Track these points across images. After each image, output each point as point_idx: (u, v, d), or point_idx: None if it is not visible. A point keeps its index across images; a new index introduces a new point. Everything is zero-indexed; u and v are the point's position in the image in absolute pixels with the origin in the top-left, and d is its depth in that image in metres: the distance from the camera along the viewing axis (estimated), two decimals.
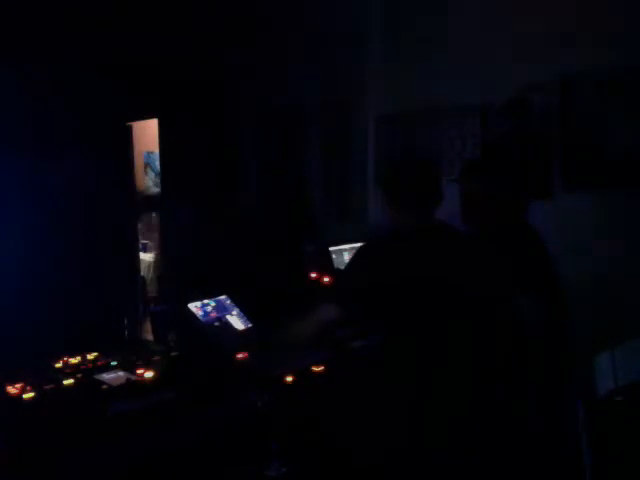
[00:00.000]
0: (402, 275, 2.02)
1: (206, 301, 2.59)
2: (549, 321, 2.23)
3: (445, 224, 2.15)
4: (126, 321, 3.11)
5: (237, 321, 2.61)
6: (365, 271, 2.09)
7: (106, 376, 2.20)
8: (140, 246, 5.56)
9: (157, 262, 5.40)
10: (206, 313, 2.55)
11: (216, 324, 2.51)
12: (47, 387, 2.08)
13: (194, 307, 2.54)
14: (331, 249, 3.37)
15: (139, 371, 2.22)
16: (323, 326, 2.13)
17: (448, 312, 2.00)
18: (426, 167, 2.16)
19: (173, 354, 2.41)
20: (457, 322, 2.01)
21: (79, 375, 2.21)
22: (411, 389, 2.00)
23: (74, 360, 2.35)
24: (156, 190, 5.81)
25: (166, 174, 5.25)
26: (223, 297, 2.66)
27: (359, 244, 2.36)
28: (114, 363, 2.31)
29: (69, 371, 2.25)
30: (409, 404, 2.00)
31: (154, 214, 5.59)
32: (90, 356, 2.39)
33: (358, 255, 2.17)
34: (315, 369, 2.41)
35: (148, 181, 6.52)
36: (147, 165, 6.53)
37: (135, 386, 2.14)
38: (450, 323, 2.00)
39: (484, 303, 2.05)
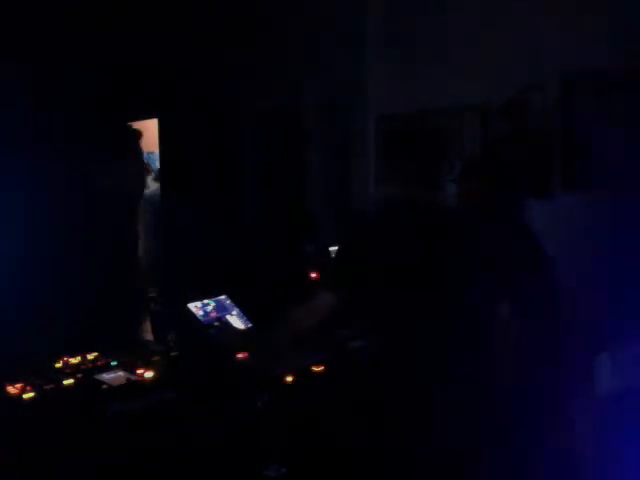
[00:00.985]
0: (391, 257, 1.99)
1: (206, 301, 2.59)
2: (533, 324, 2.21)
3: (442, 205, 2.10)
4: (126, 321, 3.11)
5: (237, 321, 2.61)
6: (357, 254, 2.06)
7: (106, 376, 2.20)
8: None
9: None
10: (206, 313, 2.55)
11: (216, 324, 2.51)
12: (47, 387, 2.08)
13: (194, 307, 2.54)
14: (331, 249, 3.37)
15: (139, 371, 2.22)
16: (321, 314, 2.10)
17: (440, 302, 1.99)
18: (429, 136, 2.08)
19: (173, 354, 2.40)
20: (449, 313, 1.99)
21: (79, 375, 2.21)
22: (409, 386, 2.00)
23: (74, 360, 2.35)
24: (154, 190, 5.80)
25: (166, 174, 5.25)
26: (223, 297, 2.66)
27: None
28: (114, 363, 2.31)
29: (69, 371, 2.24)
30: (406, 400, 1.99)
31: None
32: (90, 356, 2.39)
33: (350, 238, 2.14)
34: (315, 369, 2.41)
35: (148, 181, 6.51)
36: (147, 165, 6.53)
37: (135, 386, 2.14)
38: (442, 313, 1.98)
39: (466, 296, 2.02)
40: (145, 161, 6.40)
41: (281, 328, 2.21)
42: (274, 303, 2.56)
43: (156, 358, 2.38)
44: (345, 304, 2.07)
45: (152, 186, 5.98)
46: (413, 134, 2.14)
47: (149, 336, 2.79)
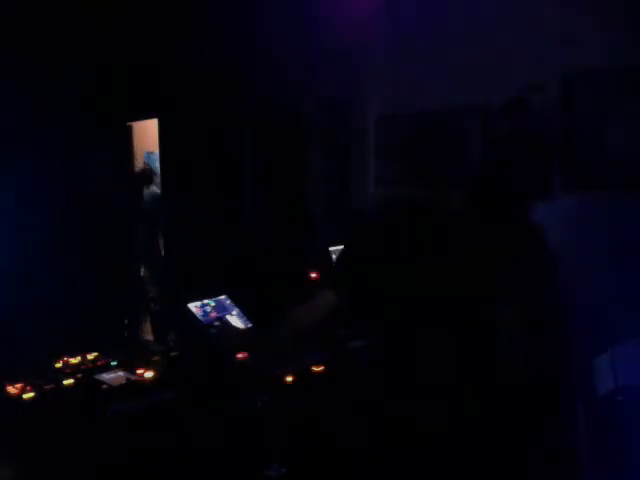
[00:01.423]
0: (392, 258, 1.98)
1: (206, 301, 2.59)
2: (534, 325, 2.21)
3: (442, 205, 2.09)
4: (126, 321, 3.12)
5: (237, 321, 2.61)
6: (357, 255, 2.05)
7: (106, 376, 2.20)
8: None
9: None
10: (206, 313, 2.55)
11: (216, 324, 2.51)
12: (47, 387, 2.08)
13: (194, 307, 2.54)
14: (331, 249, 3.37)
15: (139, 371, 2.22)
16: (322, 314, 2.10)
17: (440, 302, 1.98)
18: (429, 136, 2.07)
19: (173, 354, 2.41)
20: (449, 313, 1.98)
21: (79, 375, 2.21)
22: (409, 386, 2.00)
23: (74, 360, 2.36)
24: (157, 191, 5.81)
25: (166, 174, 5.26)
26: (223, 297, 2.66)
27: None
28: (114, 363, 2.31)
29: (69, 371, 2.25)
30: (406, 400, 1.99)
31: None
32: (90, 356, 2.40)
33: (350, 238, 2.14)
34: (315, 369, 2.42)
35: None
36: (146, 164, 6.53)
37: (135, 386, 2.15)
38: (443, 313, 1.98)
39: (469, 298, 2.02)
40: (145, 161, 6.42)
41: (281, 328, 2.21)
42: (274, 303, 2.56)
43: (156, 358, 2.38)
44: (345, 304, 2.07)
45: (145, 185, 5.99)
46: (413, 134, 2.14)
47: (149, 336, 2.80)
